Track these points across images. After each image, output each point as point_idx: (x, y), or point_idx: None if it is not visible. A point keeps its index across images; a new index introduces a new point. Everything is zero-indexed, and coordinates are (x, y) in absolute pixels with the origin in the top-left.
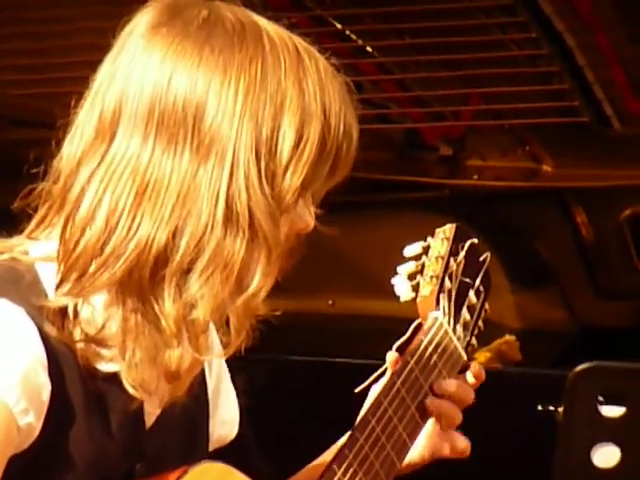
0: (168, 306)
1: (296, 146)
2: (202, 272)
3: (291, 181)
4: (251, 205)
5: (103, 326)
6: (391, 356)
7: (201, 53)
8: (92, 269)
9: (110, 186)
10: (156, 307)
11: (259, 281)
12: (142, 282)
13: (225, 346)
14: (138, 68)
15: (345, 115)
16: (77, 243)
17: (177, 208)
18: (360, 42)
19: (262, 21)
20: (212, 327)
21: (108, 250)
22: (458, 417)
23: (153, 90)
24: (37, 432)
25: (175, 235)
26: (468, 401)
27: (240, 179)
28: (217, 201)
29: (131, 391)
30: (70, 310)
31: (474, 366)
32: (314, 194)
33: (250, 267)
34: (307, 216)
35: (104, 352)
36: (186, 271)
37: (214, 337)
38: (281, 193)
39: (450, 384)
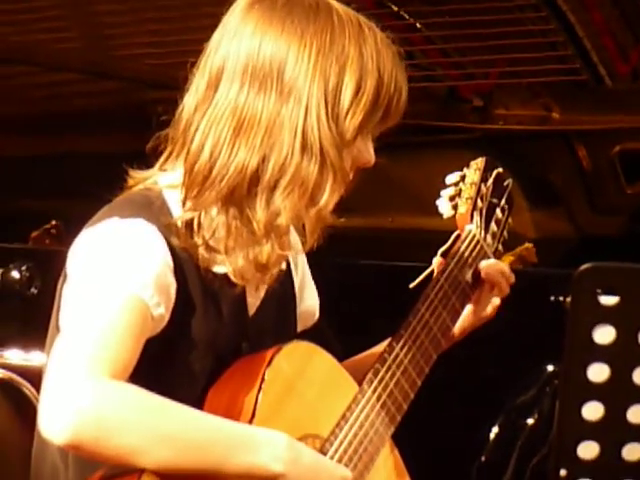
0: (259, 213)
1: (355, 95)
2: (285, 189)
3: (351, 121)
4: (321, 138)
5: (214, 232)
6: (437, 259)
7: (284, 24)
8: (205, 187)
9: (214, 124)
10: (250, 215)
11: (328, 196)
12: (240, 196)
13: (303, 244)
14: (237, 36)
15: (396, 75)
16: (192, 169)
17: (265, 139)
18: (412, 20)
19: (335, 3)
20: (293, 231)
21: (215, 172)
22: (505, 285)
23: (248, 52)
24: (166, 320)
25: (264, 160)
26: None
27: (313, 118)
28: (295, 134)
29: (233, 279)
30: (194, 223)
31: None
32: (372, 136)
33: (321, 186)
34: (369, 154)
35: (217, 257)
36: (273, 188)
37: (296, 238)
38: (343, 130)
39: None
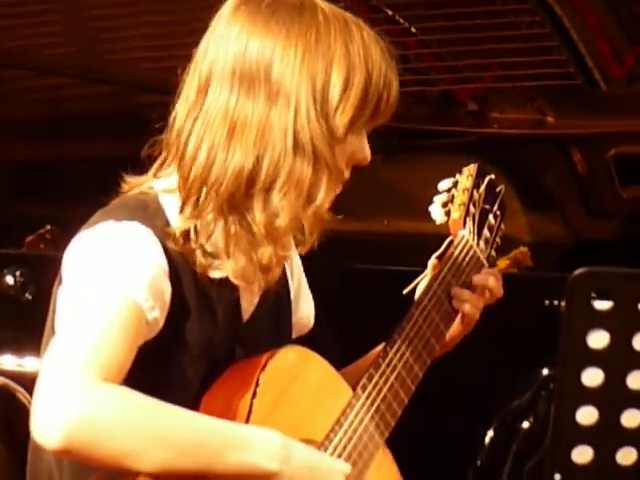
0: (258, 215)
1: (343, 92)
2: (280, 189)
3: (341, 118)
4: (312, 136)
5: (210, 237)
6: (431, 263)
7: (268, 25)
8: (204, 193)
9: (208, 128)
10: (249, 217)
11: (323, 195)
12: (239, 199)
13: (300, 244)
14: (223, 40)
15: (385, 71)
16: (188, 175)
17: (258, 140)
18: (407, 24)
19: (319, 1)
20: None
21: (213, 177)
22: (475, 315)
23: (234, 55)
24: (161, 325)
25: (258, 161)
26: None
27: (302, 117)
28: (286, 134)
29: (234, 281)
30: (190, 229)
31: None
32: (366, 133)
33: (316, 185)
34: (364, 151)
35: (214, 262)
36: (269, 189)
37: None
38: (334, 127)
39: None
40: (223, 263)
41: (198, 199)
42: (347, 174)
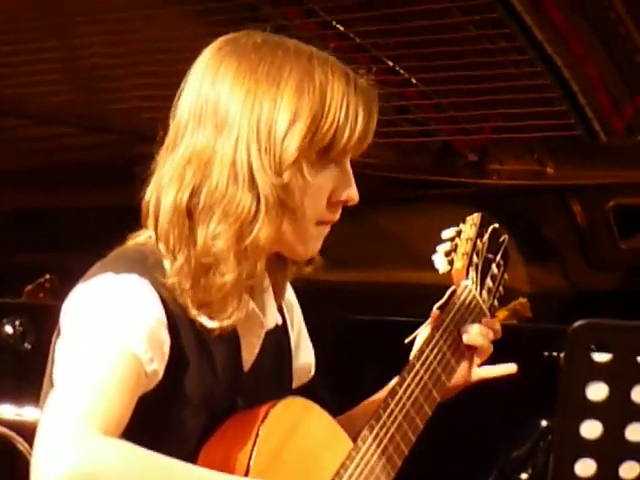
0: (200, 241)
1: (291, 125)
2: (218, 216)
3: (288, 147)
4: (252, 167)
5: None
6: (433, 314)
7: (222, 62)
8: (164, 237)
9: (157, 172)
10: (197, 247)
11: (261, 226)
12: (185, 231)
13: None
14: (186, 88)
15: (348, 104)
16: (152, 222)
17: (198, 172)
18: (407, 75)
19: (289, 42)
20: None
21: (159, 219)
22: (490, 347)
23: (190, 97)
24: (160, 376)
25: (194, 193)
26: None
27: (242, 148)
28: (225, 165)
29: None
30: (182, 277)
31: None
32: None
33: (255, 216)
34: (347, 189)
35: (207, 310)
36: (206, 220)
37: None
38: (281, 156)
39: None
40: (208, 312)
41: (165, 242)
42: (332, 214)
